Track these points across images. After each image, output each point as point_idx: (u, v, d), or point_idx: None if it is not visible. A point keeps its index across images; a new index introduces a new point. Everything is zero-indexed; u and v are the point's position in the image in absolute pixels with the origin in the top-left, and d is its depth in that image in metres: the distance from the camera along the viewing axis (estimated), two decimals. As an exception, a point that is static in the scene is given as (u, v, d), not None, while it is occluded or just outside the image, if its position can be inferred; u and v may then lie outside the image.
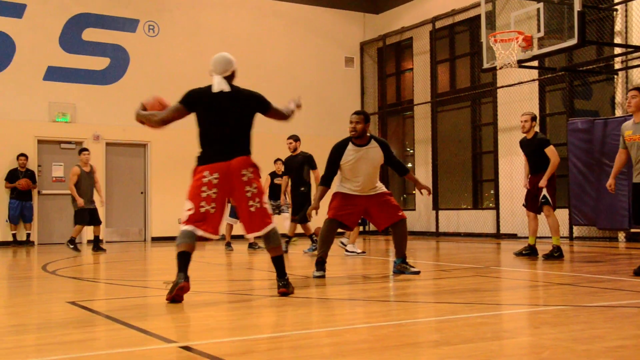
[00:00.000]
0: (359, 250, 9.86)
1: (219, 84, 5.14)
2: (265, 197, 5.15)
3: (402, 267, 6.70)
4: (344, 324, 4.10)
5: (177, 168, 15.31)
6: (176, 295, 4.82)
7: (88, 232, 12.66)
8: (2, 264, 9.84)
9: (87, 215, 11.22)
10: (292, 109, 5.55)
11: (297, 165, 10.29)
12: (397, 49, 17.74)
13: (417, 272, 6.64)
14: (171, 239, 15.16)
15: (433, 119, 16.01)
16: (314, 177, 10.11)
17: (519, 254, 8.80)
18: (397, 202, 6.81)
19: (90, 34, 14.87)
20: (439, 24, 15.89)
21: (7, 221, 13.74)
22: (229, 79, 5.21)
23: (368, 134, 6.64)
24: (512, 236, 13.84)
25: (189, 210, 4.99)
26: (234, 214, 11.37)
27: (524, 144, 8.74)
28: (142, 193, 15.09)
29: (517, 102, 13.66)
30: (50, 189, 14.42)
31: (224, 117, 5.08)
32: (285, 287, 5.17)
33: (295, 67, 17.12)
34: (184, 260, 4.94)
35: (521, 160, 9.31)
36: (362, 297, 5.37)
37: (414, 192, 16.86)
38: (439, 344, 3.39)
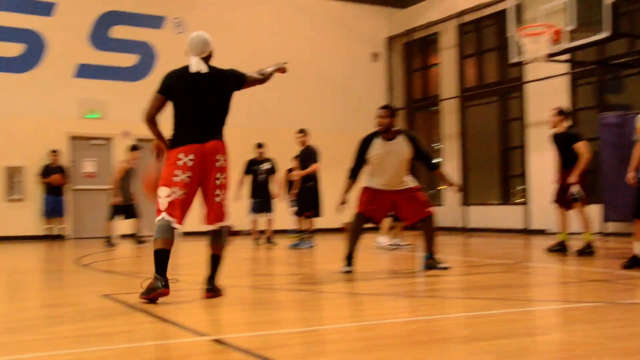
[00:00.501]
0: (404, 243, 9.88)
1: (196, 65, 4.87)
2: (228, 193, 4.86)
3: (431, 262, 6.64)
4: (374, 319, 4.10)
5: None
6: (153, 299, 4.58)
7: (122, 226, 12.79)
8: (37, 257, 10.01)
9: (122, 211, 11.56)
10: (269, 72, 5.23)
11: (304, 159, 10.30)
12: (424, 44, 17.63)
13: (446, 268, 6.58)
14: (202, 234, 15.27)
15: (461, 113, 15.89)
16: (311, 169, 10.17)
17: (551, 250, 8.70)
18: (426, 197, 6.75)
19: (119, 31, 15.02)
20: (465, 18, 15.76)
21: (41, 216, 13.98)
22: (206, 59, 4.96)
23: (396, 128, 6.59)
24: (542, 232, 13.70)
25: (166, 197, 4.69)
26: (258, 209, 11.44)
27: (554, 138, 8.64)
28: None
29: (547, 96, 13.49)
30: (81, 184, 14.61)
31: (202, 98, 4.83)
32: (212, 292, 4.81)
33: (321, 62, 17.10)
34: (162, 259, 4.63)
35: (551, 155, 9.19)
36: (391, 292, 5.36)
37: (442, 187, 16.76)
38: (470, 340, 3.38)
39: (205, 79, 4.88)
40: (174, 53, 15.26)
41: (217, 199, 4.78)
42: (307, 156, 10.28)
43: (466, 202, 15.63)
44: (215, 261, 4.89)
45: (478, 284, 5.70)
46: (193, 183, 4.75)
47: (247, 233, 15.34)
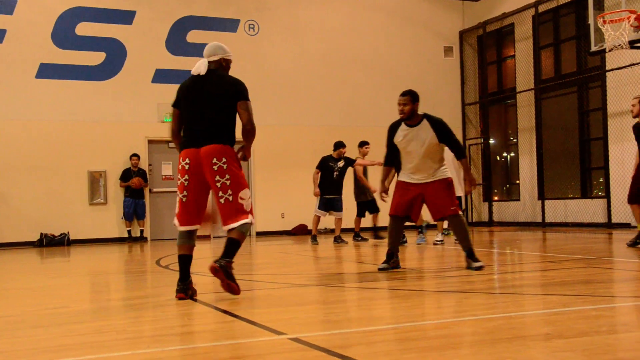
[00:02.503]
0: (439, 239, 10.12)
1: (198, 67, 5.04)
2: (246, 192, 4.92)
3: (466, 261, 6.46)
4: (452, 317, 4.04)
5: (280, 160, 15.61)
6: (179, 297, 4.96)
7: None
8: (119, 259, 10.37)
9: (366, 207, 11.70)
10: (245, 145, 5.02)
11: None
12: (498, 36, 17.27)
13: (480, 268, 6.30)
14: (276, 233, 15.47)
15: (537, 106, 15.49)
16: None
17: (633, 244, 8.37)
18: (453, 195, 6.59)
19: (194, 36, 15.36)
20: (542, 8, 15.34)
21: (122, 218, 14.45)
22: (217, 65, 5.10)
23: (421, 114, 6.57)
24: (625, 225, 13.19)
25: (178, 201, 5.01)
26: (322, 206, 11.50)
27: (636, 128, 8.30)
28: (246, 188, 15.47)
29: (629, 85, 12.98)
30: (160, 187, 15.03)
31: (197, 101, 4.97)
32: (219, 265, 4.84)
33: (393, 59, 17.00)
34: (182, 264, 5.03)
35: (634, 146, 8.83)
36: (467, 289, 5.28)
37: (517, 182, 16.39)
38: (551, 337, 3.29)
39: (203, 81, 5.02)
40: (248, 55, 15.54)
41: (222, 201, 4.87)
42: None
43: (543, 196, 15.22)
44: (231, 243, 4.90)
45: (557, 280, 5.55)
46: (193, 186, 4.95)
47: (325, 231, 15.47)
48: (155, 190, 14.97)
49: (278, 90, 15.60)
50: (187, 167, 4.95)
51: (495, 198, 17.32)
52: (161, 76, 15.06)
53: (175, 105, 5.13)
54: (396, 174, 6.86)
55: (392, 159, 6.75)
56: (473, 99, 17.64)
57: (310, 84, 16.04)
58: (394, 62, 16.98)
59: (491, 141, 17.39)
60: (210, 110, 4.95)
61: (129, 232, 14.41)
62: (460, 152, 6.55)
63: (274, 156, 15.49)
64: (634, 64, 12.79)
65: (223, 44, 5.22)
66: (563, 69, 15.36)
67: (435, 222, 9.53)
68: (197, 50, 15.35)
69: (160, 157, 15.14)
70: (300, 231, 15.37)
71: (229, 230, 4.92)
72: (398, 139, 6.58)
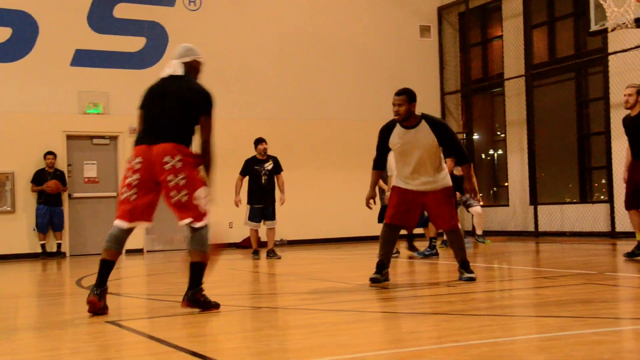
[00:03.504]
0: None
1: (172, 68, 5.61)
2: (201, 191, 5.39)
3: (459, 271, 6.93)
4: (430, 343, 4.07)
5: (227, 160, 15.48)
6: (90, 310, 5.35)
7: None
8: (32, 279, 10.19)
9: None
10: (205, 167, 5.59)
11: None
12: (483, 14, 17.48)
13: (471, 279, 6.77)
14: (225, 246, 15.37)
15: (528, 95, 15.71)
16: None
17: (631, 254, 8.56)
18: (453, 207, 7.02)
19: (123, 10, 15.19)
20: (533, -19, 15.59)
21: (34, 230, 14.21)
22: (188, 67, 5.66)
23: (419, 114, 6.82)
24: (631, 235, 13.45)
25: (119, 199, 5.51)
26: (252, 217, 11.48)
27: (626, 122, 8.53)
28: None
29: (634, 70, 13.25)
30: (82, 191, 14.83)
31: (158, 100, 5.52)
32: (189, 301, 5.32)
33: (361, 39, 17.07)
34: (102, 269, 5.41)
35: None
36: (448, 310, 5.33)
37: (506, 184, 16.61)
38: (546, 367, 3.34)
39: (172, 83, 5.57)
40: (188, 33, 15.42)
41: (173, 201, 5.34)
42: None
43: (535, 201, 15.45)
44: (194, 268, 5.35)
45: (553, 299, 5.64)
46: (143, 184, 5.39)
47: (281, 243, 15.46)
48: (75, 195, 14.77)
49: (223, 77, 15.51)
50: (138, 166, 5.38)
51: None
52: (82, 58, 14.85)
53: (141, 107, 5.62)
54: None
55: (383, 163, 7.11)
56: (454, 87, 17.81)
57: (262, 69, 15.98)
58: (361, 44, 17.04)
59: (475, 136, 17.59)
60: (172, 111, 5.47)
61: (42, 246, 14.18)
62: (463, 158, 6.88)
63: (219, 155, 15.38)
64: None
65: (193, 46, 5.81)
66: (558, 52, 15.62)
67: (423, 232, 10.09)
68: (125, 27, 15.20)
69: (82, 155, 14.94)
70: (249, 243, 15.30)
71: (189, 251, 5.37)
72: (393, 142, 6.82)
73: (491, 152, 17.86)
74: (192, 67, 5.71)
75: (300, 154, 16.15)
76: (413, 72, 17.37)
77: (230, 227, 15.59)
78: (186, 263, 5.40)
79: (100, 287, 5.37)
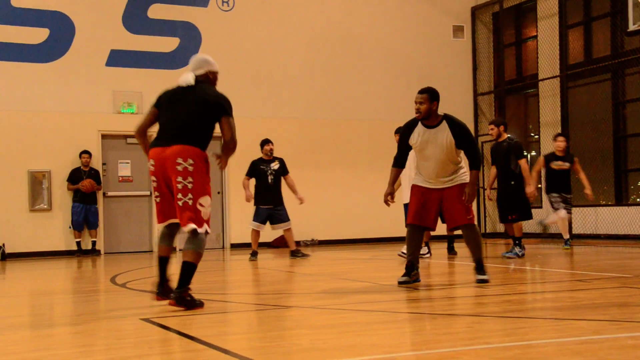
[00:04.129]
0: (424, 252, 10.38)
1: (185, 78, 5.79)
2: (206, 199, 5.53)
3: (474, 271, 7.00)
4: (461, 345, 4.06)
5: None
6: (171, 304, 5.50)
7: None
8: (67, 276, 10.31)
9: None
10: (224, 152, 5.79)
11: (503, 154, 10.47)
12: (518, 13, 17.36)
13: (484, 281, 6.79)
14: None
15: (563, 96, 15.57)
16: (522, 168, 10.44)
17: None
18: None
19: (157, 11, 15.31)
20: (568, -20, 15.45)
21: (70, 227, 14.39)
22: (203, 78, 5.86)
23: (441, 114, 6.88)
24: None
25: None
26: (256, 218, 11.49)
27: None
28: (218, 193, 15.45)
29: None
30: (116, 190, 14.97)
31: (176, 107, 5.72)
32: (176, 300, 5.47)
33: (393, 40, 17.03)
34: (159, 266, 5.77)
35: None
36: (480, 311, 5.30)
37: (540, 185, 16.45)
38: (579, 370, 3.31)
39: (186, 92, 5.76)
40: (220, 35, 15.52)
41: (180, 203, 5.48)
42: (509, 151, 10.43)
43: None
44: (184, 268, 5.50)
45: (587, 302, 5.58)
46: (159, 186, 5.64)
47: (312, 242, 15.48)
48: (110, 194, 14.92)
49: (254, 76, 15.58)
50: (152, 168, 5.64)
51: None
52: (117, 58, 15.00)
53: (155, 105, 5.84)
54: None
55: (403, 161, 7.11)
56: (487, 87, 17.70)
57: (293, 69, 16.01)
58: (393, 44, 17.00)
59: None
60: (188, 116, 5.64)
61: (78, 243, 14.35)
62: (475, 163, 6.86)
63: (248, 154, 15.42)
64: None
65: (209, 57, 6.00)
66: (594, 53, 15.46)
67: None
68: (160, 28, 15.33)
69: (117, 154, 15.09)
70: (282, 243, 15.36)
71: (184, 250, 5.52)
72: (414, 140, 6.88)
73: (525, 153, 17.67)
74: (207, 78, 5.89)
75: (330, 154, 16.19)
76: (445, 73, 17.28)
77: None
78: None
79: (161, 285, 5.71)
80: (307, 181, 15.84)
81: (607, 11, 15.02)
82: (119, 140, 15.04)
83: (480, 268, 6.90)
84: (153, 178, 5.64)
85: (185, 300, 5.44)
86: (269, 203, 11.56)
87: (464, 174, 6.92)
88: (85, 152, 14.35)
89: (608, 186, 15.21)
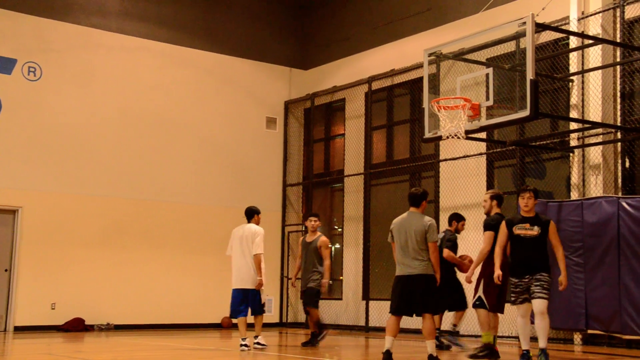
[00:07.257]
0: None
1: None
2: None
3: None
4: None
5: (54, 236, 14.78)
6: None
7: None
8: None
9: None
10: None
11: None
12: (328, 111, 17.97)
13: None
14: (42, 328, 14.51)
15: (366, 192, 16.14)
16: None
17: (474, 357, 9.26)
18: None
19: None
20: (375, 85, 16.24)
21: None
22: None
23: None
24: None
25: None
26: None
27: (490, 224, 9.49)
28: (6, 270, 14.46)
29: (462, 177, 13.93)
30: None
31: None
32: None
33: (208, 125, 17.06)
34: None
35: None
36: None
37: (341, 277, 16.80)
38: None
39: None
40: (26, 103, 14.82)
41: None
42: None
43: (367, 296, 15.68)
44: None
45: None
46: None
47: (107, 327, 14.77)
48: None
49: (62, 149, 14.97)
50: None
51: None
52: None
53: None
54: None
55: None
56: (296, 179, 18.06)
57: (100, 145, 15.55)
58: (207, 129, 17.02)
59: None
60: None
61: None
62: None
63: (47, 231, 14.70)
64: (467, 156, 13.75)
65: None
66: (395, 154, 16.19)
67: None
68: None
69: None
70: (73, 327, 14.55)
71: None
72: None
73: (329, 246, 18.04)
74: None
75: (134, 234, 15.73)
76: (257, 162, 17.52)
77: (53, 309, 14.82)
78: None
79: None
80: (111, 262, 15.33)
81: (408, 117, 15.85)
82: None
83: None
84: None
85: None
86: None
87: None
88: None
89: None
